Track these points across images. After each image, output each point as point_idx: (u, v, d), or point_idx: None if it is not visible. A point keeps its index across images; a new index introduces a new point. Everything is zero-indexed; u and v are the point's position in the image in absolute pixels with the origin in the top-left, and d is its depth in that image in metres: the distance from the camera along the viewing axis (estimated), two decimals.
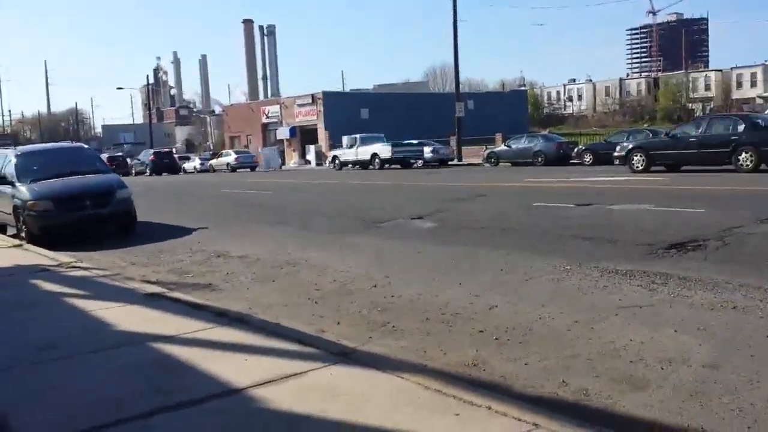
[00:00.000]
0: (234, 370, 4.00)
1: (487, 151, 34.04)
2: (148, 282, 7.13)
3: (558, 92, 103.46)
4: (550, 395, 3.74)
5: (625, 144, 21.92)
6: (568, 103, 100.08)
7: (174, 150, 62.76)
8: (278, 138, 58.46)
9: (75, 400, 3.63)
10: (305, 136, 56.04)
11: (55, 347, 4.62)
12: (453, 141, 39.98)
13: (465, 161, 37.83)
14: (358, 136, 37.32)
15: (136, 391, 3.72)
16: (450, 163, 37.15)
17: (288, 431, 3.11)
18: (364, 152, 35.85)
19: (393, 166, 34.44)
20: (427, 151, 36.57)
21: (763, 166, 17.54)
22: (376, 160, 34.79)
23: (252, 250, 9.25)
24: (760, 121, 19.11)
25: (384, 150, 34.57)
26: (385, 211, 12.64)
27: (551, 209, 11.57)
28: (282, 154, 54.62)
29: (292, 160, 55.30)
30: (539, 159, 29.73)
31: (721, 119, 20.90)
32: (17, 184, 11.80)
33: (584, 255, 7.36)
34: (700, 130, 19.13)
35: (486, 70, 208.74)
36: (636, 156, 20.18)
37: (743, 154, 17.73)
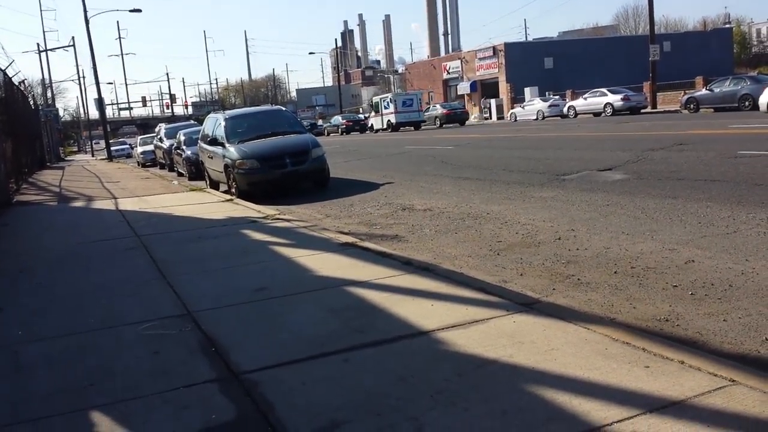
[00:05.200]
0: (421, 314, 4.24)
1: (686, 97, 31.29)
2: (342, 233, 7.66)
3: None
4: (750, 352, 3.51)
5: None
6: None
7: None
8: (459, 93, 58.33)
9: (286, 336, 4.08)
10: (486, 90, 55.32)
11: (266, 289, 5.20)
12: (647, 87, 37.20)
13: (660, 108, 35.09)
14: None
15: (336, 329, 4.09)
16: (643, 111, 34.68)
17: (477, 373, 3.26)
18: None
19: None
20: (617, 98, 34.58)
21: None
22: None
23: (435, 203, 9.51)
24: None
25: None
26: (571, 164, 12.24)
27: (760, 158, 10.45)
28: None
29: (473, 115, 54.97)
30: (746, 103, 26.79)
31: None
32: (227, 144, 13.12)
33: None
34: None
35: (685, 8, 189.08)
36: None
37: None
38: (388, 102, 46.82)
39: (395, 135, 39.12)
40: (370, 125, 50.02)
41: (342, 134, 51.41)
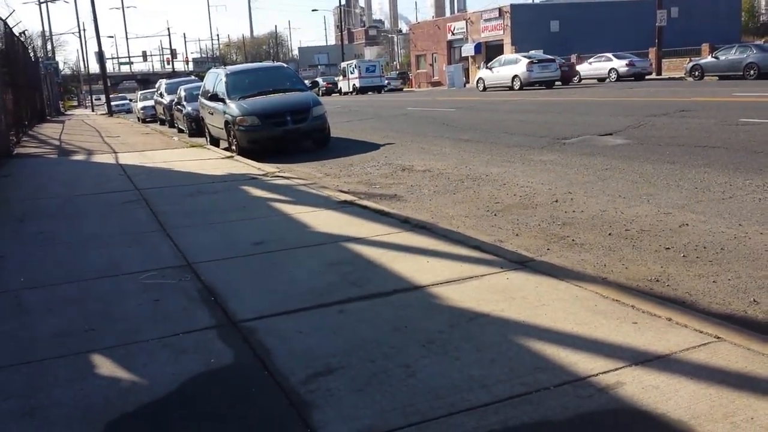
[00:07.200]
0: (417, 269, 4.31)
1: (691, 64, 30.96)
2: (341, 191, 7.70)
3: None
4: (737, 312, 3.59)
5: None
6: None
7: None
8: (463, 55, 57.61)
9: (283, 287, 4.16)
10: (491, 52, 54.61)
11: (265, 243, 5.27)
12: (652, 53, 36.79)
13: (665, 75, 34.80)
14: None
15: (333, 282, 4.17)
16: (648, 77, 34.38)
17: (469, 325, 3.34)
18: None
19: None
20: (622, 64, 34.22)
21: None
22: None
23: (435, 165, 9.53)
24: None
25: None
26: (572, 128, 12.21)
27: (761, 126, 10.44)
28: (466, 71, 53.96)
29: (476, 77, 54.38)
30: (751, 72, 26.60)
31: None
32: (228, 101, 13.05)
33: None
34: None
35: None
36: None
37: None
38: (353, 68, 53.14)
39: (398, 96, 38.87)
40: (339, 88, 55.91)
41: (321, 95, 53.54)
